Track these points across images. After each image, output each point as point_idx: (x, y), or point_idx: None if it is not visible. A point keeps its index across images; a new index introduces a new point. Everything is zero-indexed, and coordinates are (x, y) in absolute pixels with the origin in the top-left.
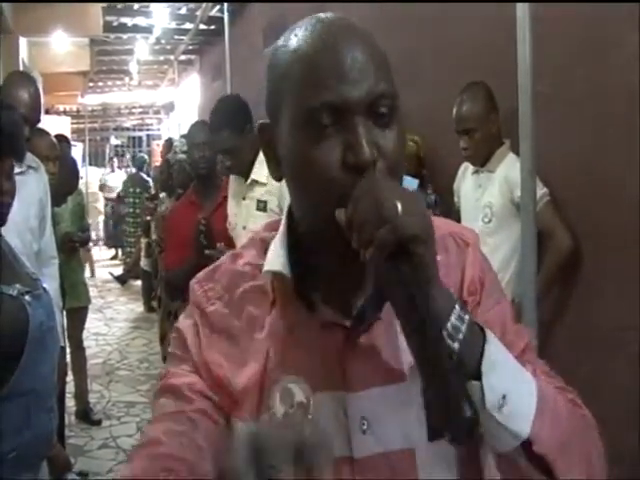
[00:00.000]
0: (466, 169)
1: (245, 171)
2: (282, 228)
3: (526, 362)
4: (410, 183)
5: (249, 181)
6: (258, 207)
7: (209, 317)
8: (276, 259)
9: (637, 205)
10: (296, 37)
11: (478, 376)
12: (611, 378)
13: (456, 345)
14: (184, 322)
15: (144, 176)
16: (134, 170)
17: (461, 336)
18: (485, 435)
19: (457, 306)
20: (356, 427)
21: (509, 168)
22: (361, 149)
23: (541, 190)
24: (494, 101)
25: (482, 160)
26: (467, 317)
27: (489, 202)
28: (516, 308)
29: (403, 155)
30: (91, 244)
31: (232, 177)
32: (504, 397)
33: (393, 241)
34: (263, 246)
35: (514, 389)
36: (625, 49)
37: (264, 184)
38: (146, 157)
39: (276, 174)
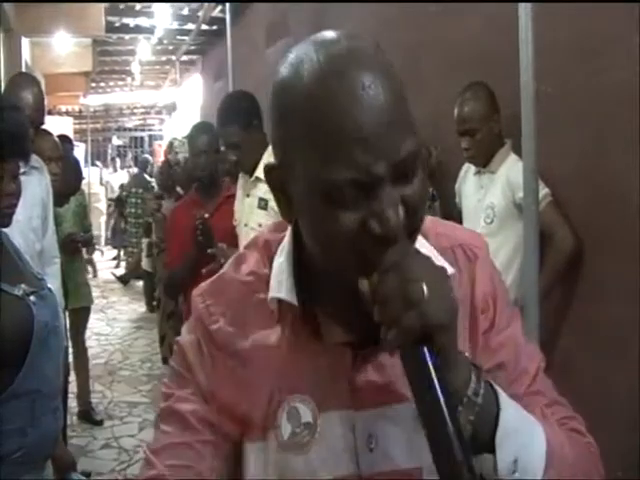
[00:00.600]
0: (468, 170)
1: (250, 167)
2: (288, 247)
3: (536, 392)
4: None
5: (252, 178)
6: (259, 205)
7: (213, 335)
8: (282, 284)
9: (639, 206)
10: (304, 74)
11: (491, 445)
12: (614, 379)
13: (471, 417)
14: (187, 338)
15: (147, 177)
16: (137, 170)
17: (477, 408)
18: None
19: (473, 377)
20: (363, 445)
21: (510, 169)
22: (386, 217)
23: (543, 190)
24: (495, 101)
25: (484, 161)
26: (482, 388)
27: (491, 203)
28: (519, 309)
29: (426, 199)
30: (96, 246)
31: (240, 174)
32: (515, 462)
33: (418, 329)
34: (267, 251)
35: (525, 452)
36: (627, 50)
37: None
38: (150, 158)
39: (287, 216)
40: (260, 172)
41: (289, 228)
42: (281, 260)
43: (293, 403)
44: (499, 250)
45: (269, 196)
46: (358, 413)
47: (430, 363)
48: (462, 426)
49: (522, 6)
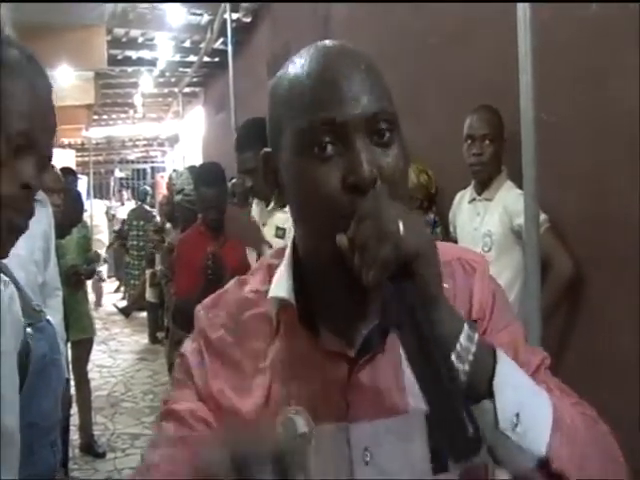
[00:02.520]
0: (462, 198)
1: (266, 195)
2: (287, 255)
3: (540, 382)
4: None
5: (270, 207)
6: (277, 234)
7: (213, 343)
8: (281, 286)
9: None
10: (294, 64)
11: (490, 396)
12: (617, 403)
13: (466, 367)
14: (189, 347)
15: (147, 208)
16: (136, 203)
17: (471, 357)
18: (501, 455)
19: (466, 326)
20: (359, 458)
21: (507, 196)
22: (361, 169)
23: (541, 216)
24: (503, 125)
25: (488, 174)
26: (476, 336)
27: (488, 231)
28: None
29: (406, 175)
30: (104, 275)
31: (255, 201)
32: (517, 416)
33: (395, 260)
34: (270, 272)
35: (528, 407)
36: (626, 74)
37: (285, 211)
38: (149, 189)
39: (279, 201)
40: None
41: (289, 240)
42: (282, 268)
43: (289, 414)
44: (498, 276)
45: (287, 225)
46: (353, 425)
47: (413, 297)
48: (455, 370)
49: (521, 34)
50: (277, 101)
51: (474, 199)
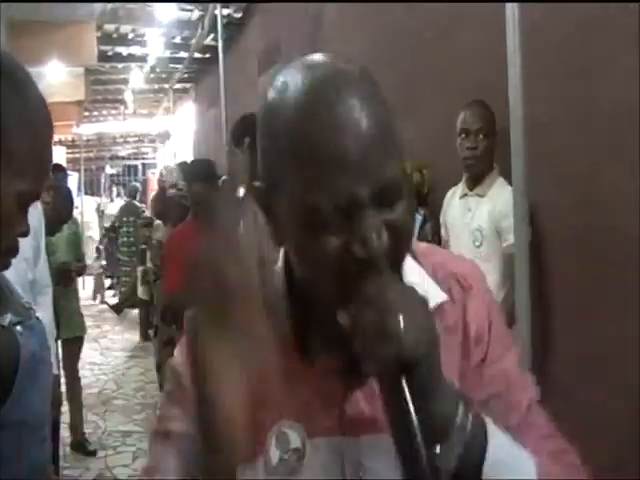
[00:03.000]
0: (452, 196)
1: None
2: (280, 271)
3: (529, 425)
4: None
5: None
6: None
7: None
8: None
9: (633, 225)
10: (293, 97)
11: (478, 477)
12: (610, 402)
13: (459, 451)
14: (179, 358)
15: (137, 204)
16: (126, 199)
17: (465, 440)
18: None
19: (461, 408)
20: (353, 474)
21: (499, 195)
22: (370, 242)
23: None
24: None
25: (481, 169)
26: (470, 420)
27: (479, 226)
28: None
29: (410, 228)
30: (101, 269)
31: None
32: None
33: (394, 361)
34: None
35: None
36: (618, 71)
37: None
38: (138, 186)
39: (275, 238)
40: None
41: (281, 253)
42: (274, 283)
43: (282, 428)
44: (489, 272)
45: None
46: (347, 441)
47: (407, 394)
48: (445, 459)
49: (510, 30)
50: (272, 138)
51: (465, 194)
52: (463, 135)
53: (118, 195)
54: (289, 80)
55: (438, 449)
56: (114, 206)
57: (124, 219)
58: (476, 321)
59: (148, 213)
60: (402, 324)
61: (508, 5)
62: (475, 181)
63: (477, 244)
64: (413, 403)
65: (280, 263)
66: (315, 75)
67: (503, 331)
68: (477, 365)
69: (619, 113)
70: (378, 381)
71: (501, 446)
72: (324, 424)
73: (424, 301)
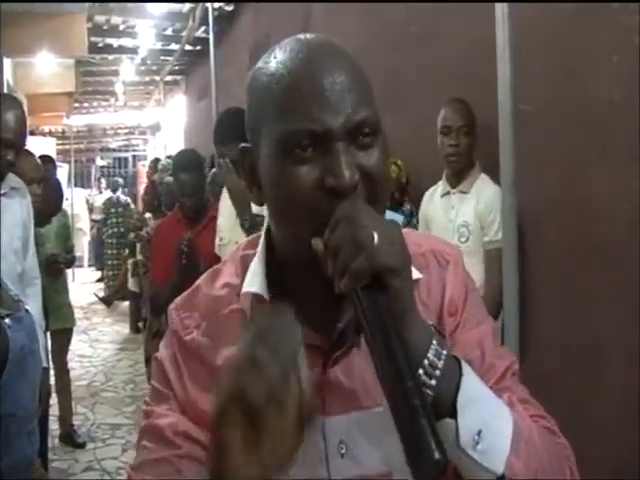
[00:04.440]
0: (432, 195)
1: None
2: (261, 248)
3: (504, 388)
4: (394, 217)
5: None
6: (256, 221)
7: (187, 345)
8: (254, 280)
9: (619, 219)
10: (275, 59)
11: (453, 413)
12: (594, 395)
13: (433, 382)
14: (164, 353)
15: (122, 197)
16: (111, 192)
17: (438, 373)
18: (460, 471)
19: (434, 341)
20: (334, 451)
21: (482, 192)
22: (341, 172)
23: (498, 234)
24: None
25: (463, 165)
26: (444, 352)
27: (465, 222)
28: (494, 319)
29: (386, 177)
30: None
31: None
32: (479, 434)
33: (367, 271)
34: (243, 264)
35: (489, 425)
36: (605, 68)
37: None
38: (121, 180)
39: (257, 199)
40: None
41: (263, 234)
42: (255, 261)
43: None
44: (475, 265)
45: (265, 212)
46: (328, 418)
47: (383, 308)
48: (422, 385)
49: (499, 24)
50: (256, 96)
51: (447, 192)
52: (445, 133)
53: (108, 187)
54: (275, 50)
55: (421, 371)
56: (103, 198)
57: (112, 211)
58: (452, 294)
59: (133, 205)
60: (375, 236)
61: (497, 5)
62: (457, 178)
63: (463, 239)
64: (389, 320)
65: (261, 242)
66: (298, 42)
67: (478, 304)
68: (450, 335)
69: (607, 110)
70: (354, 303)
71: (476, 383)
72: None
73: (397, 225)
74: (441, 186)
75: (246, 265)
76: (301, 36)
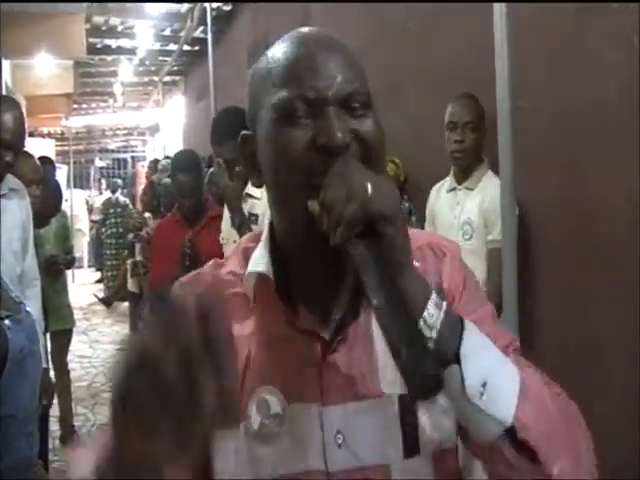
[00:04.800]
0: (438, 190)
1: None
2: (265, 235)
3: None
4: None
5: (243, 195)
6: (249, 220)
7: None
8: (259, 261)
9: (619, 219)
10: (275, 46)
11: (457, 362)
12: (594, 394)
13: (433, 334)
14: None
15: (121, 198)
16: (110, 193)
17: (438, 324)
18: (469, 424)
19: (434, 293)
20: (331, 441)
21: (487, 189)
22: (333, 131)
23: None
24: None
25: (469, 161)
26: (444, 304)
27: (469, 219)
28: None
29: (381, 145)
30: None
31: None
32: (485, 383)
33: (361, 218)
34: (245, 255)
35: (495, 374)
36: (603, 65)
37: (258, 199)
38: (119, 181)
39: (257, 181)
40: (249, 189)
41: (266, 226)
42: (259, 247)
43: (263, 394)
44: (479, 264)
45: (259, 210)
46: (327, 408)
47: (380, 258)
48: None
49: (497, 22)
50: (256, 79)
51: (454, 188)
52: (451, 128)
53: (107, 188)
54: (277, 42)
55: (421, 323)
56: (103, 199)
57: (110, 211)
58: (448, 282)
59: (132, 206)
60: (369, 187)
61: (496, 5)
62: (464, 174)
63: (467, 237)
64: (385, 274)
65: (265, 229)
66: (295, 31)
67: (477, 292)
68: None
69: (606, 110)
70: (350, 256)
71: (478, 336)
72: (303, 390)
73: (390, 180)
74: (448, 181)
75: (248, 257)
76: (301, 28)
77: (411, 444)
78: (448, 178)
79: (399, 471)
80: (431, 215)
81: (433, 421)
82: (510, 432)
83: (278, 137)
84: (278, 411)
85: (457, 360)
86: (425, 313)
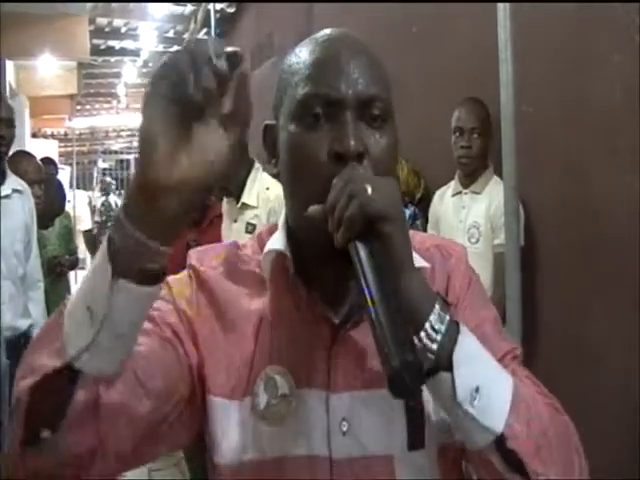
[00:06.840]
0: (443, 194)
1: (237, 193)
2: (281, 223)
3: (506, 366)
4: None
5: (239, 204)
6: (247, 230)
7: (202, 275)
8: (277, 242)
9: (621, 221)
10: (303, 45)
11: (450, 368)
12: (595, 394)
13: (434, 346)
14: (174, 277)
15: (116, 199)
16: (105, 195)
17: (439, 337)
18: (459, 431)
19: (437, 305)
20: (336, 428)
21: (494, 194)
22: (347, 139)
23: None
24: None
25: (475, 167)
26: (447, 317)
27: (475, 222)
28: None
29: (393, 160)
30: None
31: (225, 199)
32: (477, 390)
33: (360, 218)
34: (260, 242)
35: (488, 382)
36: (606, 67)
37: (254, 207)
38: (112, 181)
39: (274, 171)
40: (246, 198)
41: (283, 212)
42: (275, 235)
43: (271, 374)
44: (485, 268)
45: (257, 221)
46: (333, 395)
47: (378, 258)
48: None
49: (501, 25)
50: (282, 74)
51: (459, 192)
52: (457, 133)
53: (100, 190)
54: (306, 40)
55: (422, 334)
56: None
57: (110, 214)
58: (454, 283)
59: None
60: (369, 188)
61: (500, 5)
62: (470, 179)
63: (473, 240)
64: (386, 275)
65: (282, 219)
66: (321, 33)
67: (481, 295)
68: None
69: (608, 110)
70: (352, 256)
71: (473, 343)
72: (311, 375)
73: (393, 182)
74: (452, 186)
75: (264, 244)
76: (325, 30)
77: (416, 437)
78: (452, 182)
79: (403, 463)
80: (435, 219)
81: (439, 416)
82: (500, 441)
83: (295, 136)
84: (286, 392)
85: (450, 365)
86: (427, 325)
